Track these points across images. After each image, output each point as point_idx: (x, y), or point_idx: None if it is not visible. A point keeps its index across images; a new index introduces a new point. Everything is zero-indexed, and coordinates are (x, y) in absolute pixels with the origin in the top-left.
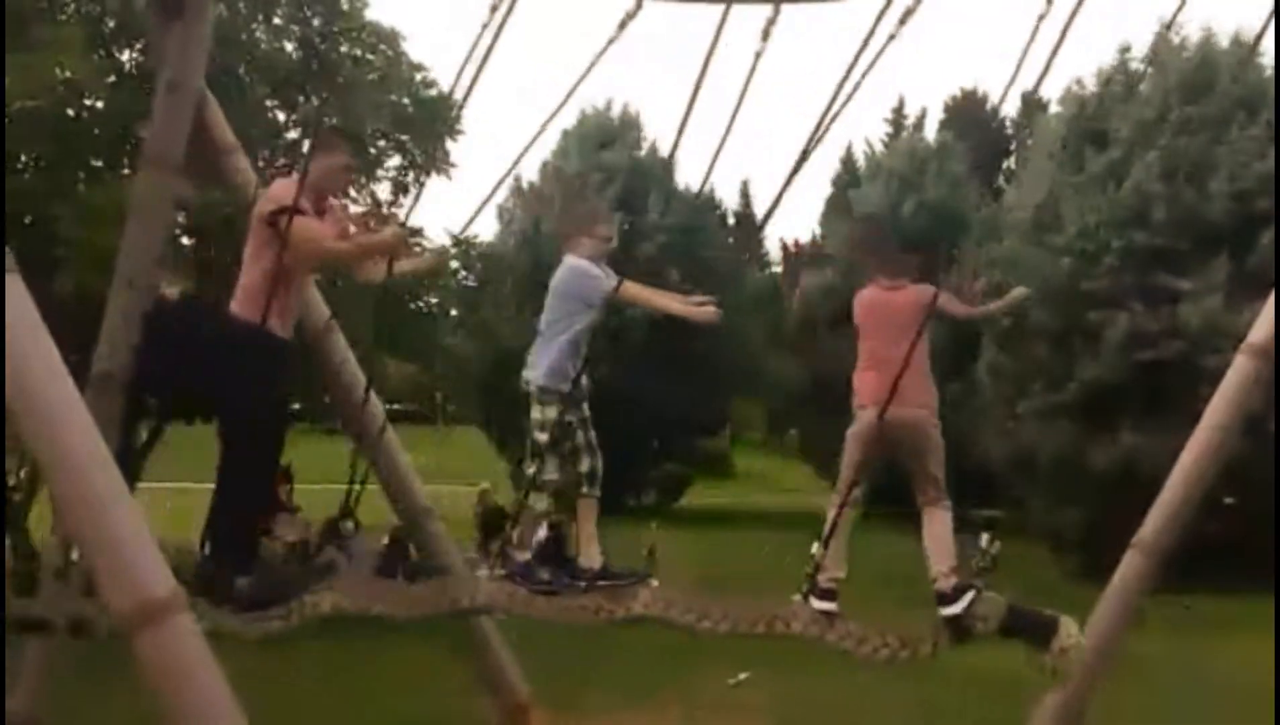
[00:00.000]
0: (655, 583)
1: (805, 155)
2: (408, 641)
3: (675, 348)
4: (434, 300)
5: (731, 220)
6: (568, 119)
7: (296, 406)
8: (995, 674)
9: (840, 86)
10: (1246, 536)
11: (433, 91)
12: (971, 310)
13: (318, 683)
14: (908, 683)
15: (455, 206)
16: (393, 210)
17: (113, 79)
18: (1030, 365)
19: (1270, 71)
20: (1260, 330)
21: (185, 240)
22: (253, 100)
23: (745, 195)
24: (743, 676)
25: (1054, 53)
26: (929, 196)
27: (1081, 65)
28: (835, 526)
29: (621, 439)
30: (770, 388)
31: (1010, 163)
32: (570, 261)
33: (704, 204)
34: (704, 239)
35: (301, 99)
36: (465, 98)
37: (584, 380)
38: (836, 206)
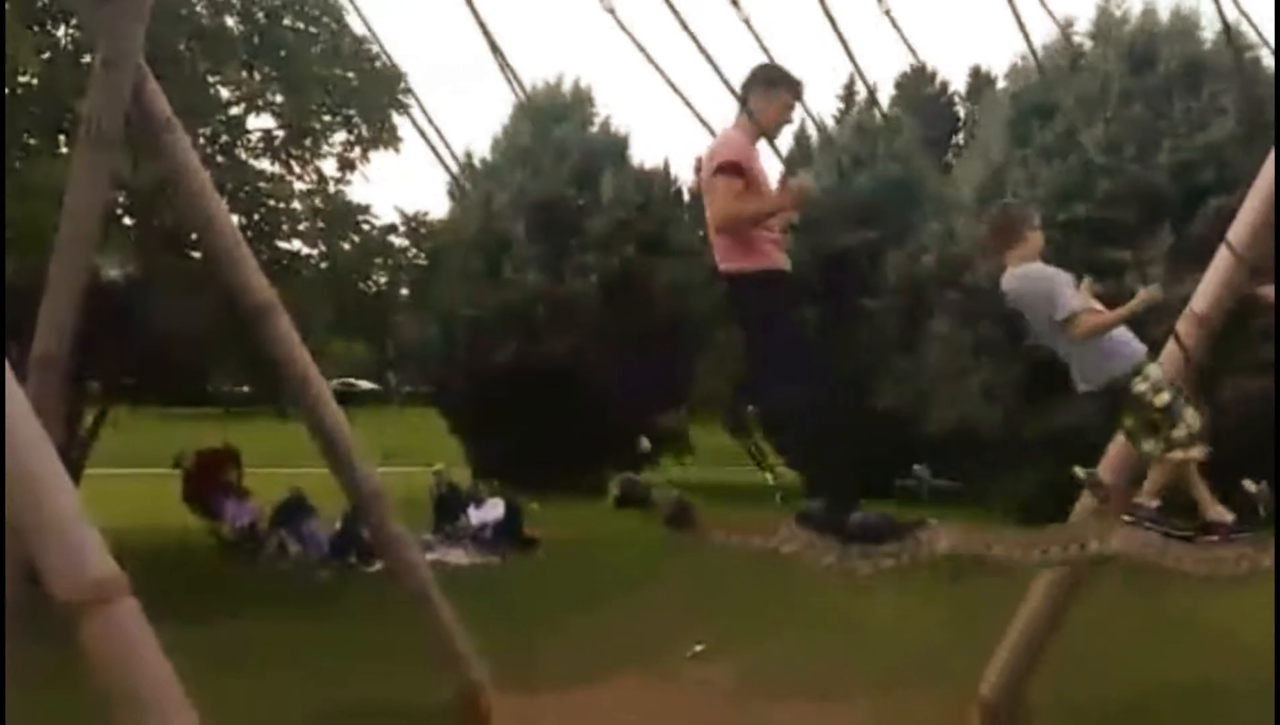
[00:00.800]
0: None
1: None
2: (358, 622)
3: (630, 323)
4: (384, 280)
5: (687, 196)
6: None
7: (246, 389)
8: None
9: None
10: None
11: (379, 64)
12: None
13: (265, 665)
14: (864, 644)
15: (403, 182)
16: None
17: (47, 55)
18: (978, 338)
19: (1209, 45)
20: (1201, 300)
21: (126, 220)
22: (194, 75)
23: (700, 171)
24: (699, 648)
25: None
26: (879, 172)
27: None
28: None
29: (579, 415)
30: (728, 363)
31: (959, 138)
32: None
33: (659, 180)
34: (658, 215)
35: (244, 74)
36: None
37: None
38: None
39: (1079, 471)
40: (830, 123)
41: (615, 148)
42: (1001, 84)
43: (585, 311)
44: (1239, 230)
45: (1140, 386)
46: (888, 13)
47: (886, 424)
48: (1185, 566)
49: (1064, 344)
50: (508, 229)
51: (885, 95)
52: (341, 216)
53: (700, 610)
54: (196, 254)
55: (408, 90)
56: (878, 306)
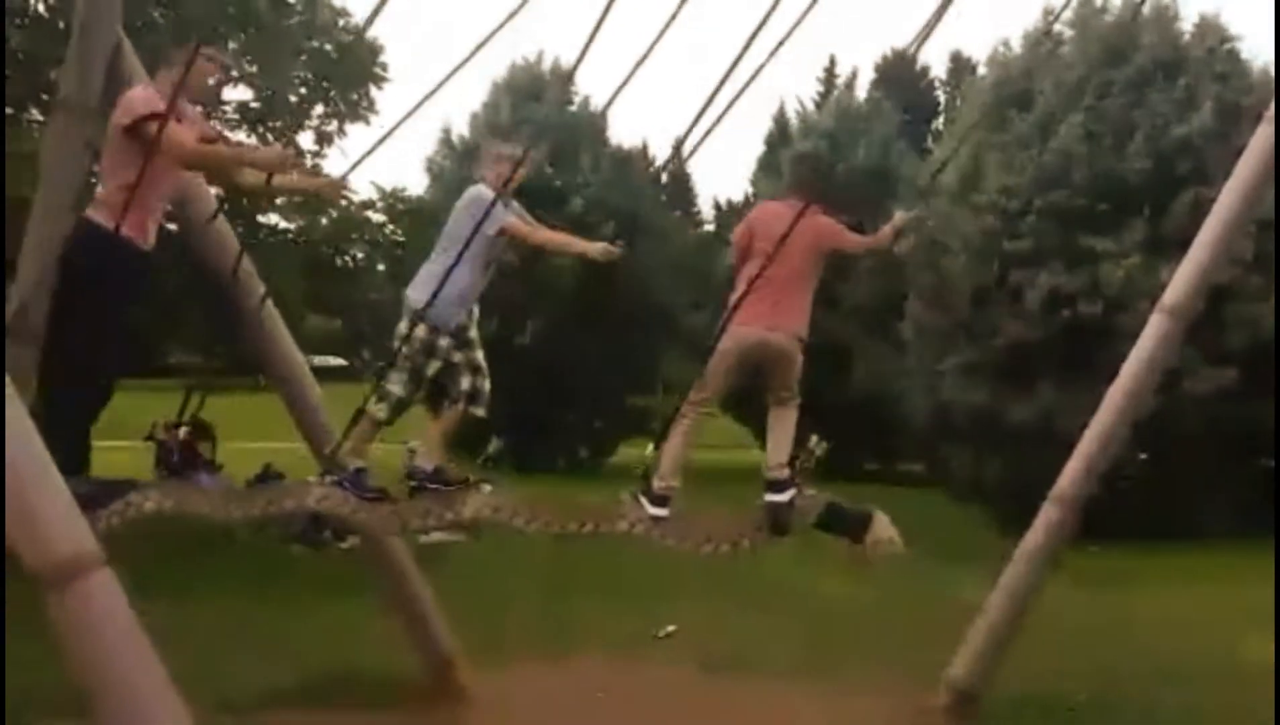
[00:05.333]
0: (488, 488)
1: (706, 102)
2: (328, 598)
3: (604, 304)
4: (359, 255)
5: (664, 177)
6: (498, 70)
7: (217, 361)
8: (914, 621)
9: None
10: (1158, 490)
11: (355, 38)
12: (863, 239)
13: (236, 639)
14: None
15: (381, 158)
16: (316, 161)
17: (20, 22)
18: (954, 323)
19: (1187, 37)
20: (1175, 290)
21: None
22: (169, 46)
23: (678, 153)
24: (670, 629)
25: None
26: (859, 156)
27: (1009, 28)
28: (677, 432)
29: (552, 396)
30: (701, 345)
31: (939, 124)
32: (470, 190)
33: (636, 160)
34: (635, 194)
35: (221, 45)
36: None
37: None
38: (768, 166)
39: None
40: (810, 106)
41: (593, 127)
42: (982, 70)
43: (558, 290)
44: (1213, 222)
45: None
46: None
47: (861, 408)
48: (373, 525)
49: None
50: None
51: (865, 79)
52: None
53: (670, 589)
54: (173, 226)
55: (386, 65)
56: (853, 291)
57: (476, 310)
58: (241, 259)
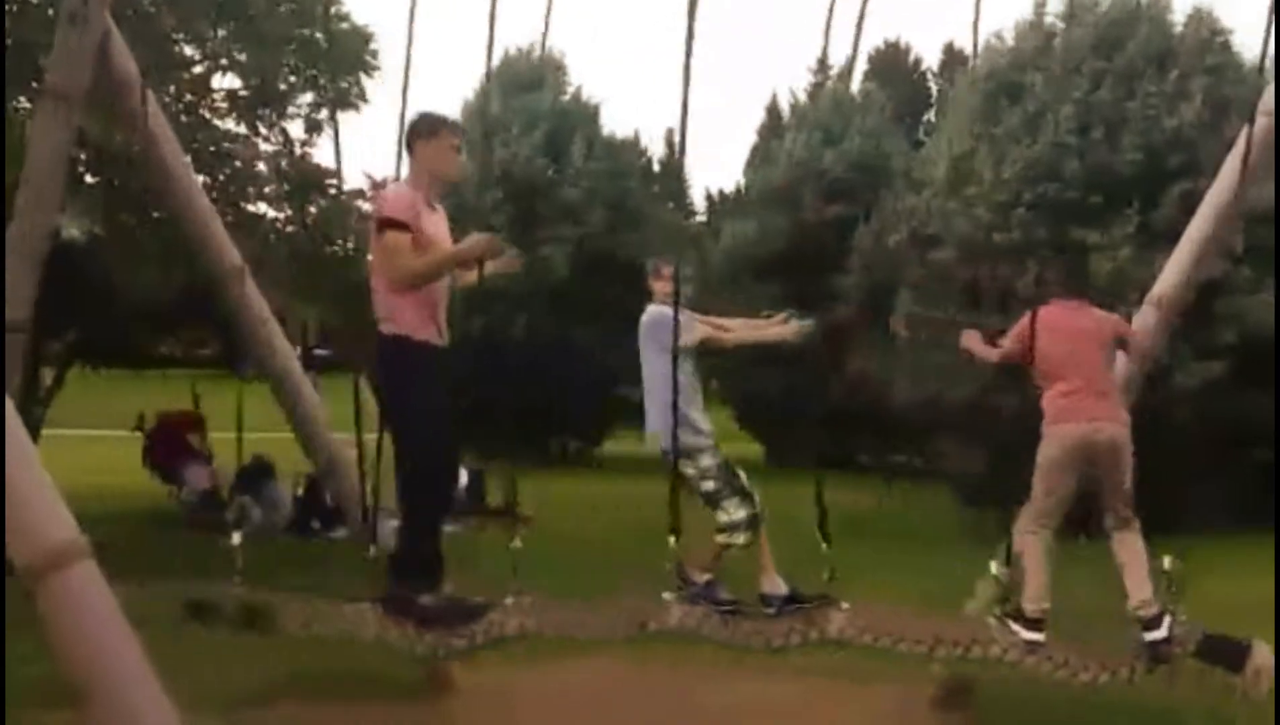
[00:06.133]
0: (845, 605)
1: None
2: (320, 590)
3: (595, 295)
4: (351, 245)
5: (657, 167)
6: (491, 59)
7: (207, 351)
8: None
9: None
10: (1146, 483)
11: (346, 25)
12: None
13: (231, 637)
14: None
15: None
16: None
17: (10, 7)
18: (944, 316)
19: (1178, 29)
20: (1164, 282)
21: (89, 178)
22: (159, 33)
23: (670, 144)
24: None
25: None
26: (852, 147)
27: (1002, 19)
28: (1033, 555)
29: (543, 385)
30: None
31: (931, 115)
32: (651, 311)
33: (629, 150)
34: (628, 186)
35: (209, 33)
36: None
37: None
38: (760, 156)
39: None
40: (803, 97)
41: (586, 117)
42: (974, 62)
43: (548, 281)
44: (1203, 215)
45: (688, 469)
46: None
47: (851, 400)
48: (736, 639)
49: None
50: (477, 196)
51: (858, 70)
52: (308, 179)
53: (662, 584)
54: (160, 214)
55: (377, 52)
56: (846, 283)
57: None
58: (234, 249)
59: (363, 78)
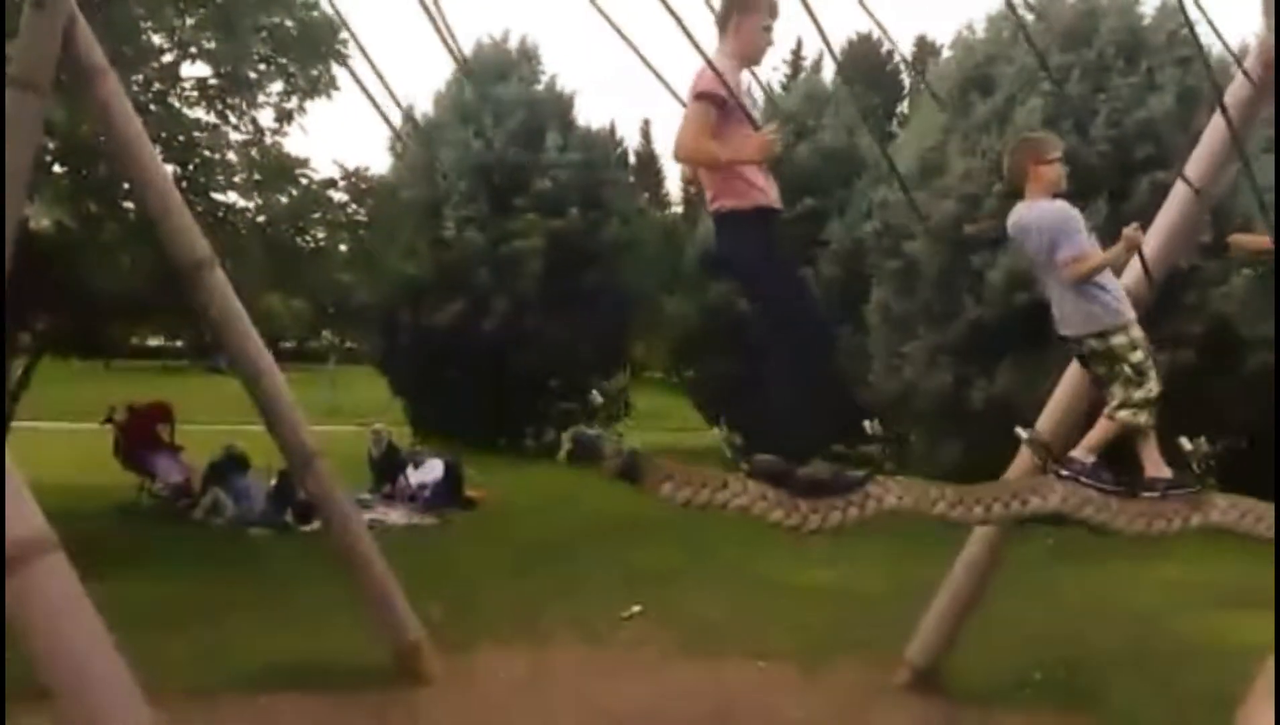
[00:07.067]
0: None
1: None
2: (294, 582)
3: (572, 284)
4: (322, 235)
5: (633, 159)
6: (463, 48)
7: (179, 343)
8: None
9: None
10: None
11: (315, 13)
12: None
13: (198, 624)
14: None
15: (342, 136)
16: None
17: None
18: (916, 306)
19: (1147, 20)
20: (1132, 273)
21: (57, 168)
22: (125, 20)
23: (647, 134)
24: (636, 609)
25: None
26: (824, 139)
27: (973, 11)
28: None
29: (520, 377)
30: (669, 326)
31: (904, 107)
32: (1056, 205)
33: (604, 141)
34: (603, 177)
35: (178, 21)
36: None
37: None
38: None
39: (1021, 432)
40: (777, 89)
41: (560, 107)
42: (946, 54)
43: (526, 271)
44: (1171, 206)
45: (1119, 339)
46: None
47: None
48: (1119, 523)
49: (1055, 285)
50: (450, 186)
51: (831, 62)
52: (278, 169)
53: (638, 571)
54: (129, 204)
55: (347, 40)
56: (819, 274)
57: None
58: (203, 240)
59: (333, 65)
